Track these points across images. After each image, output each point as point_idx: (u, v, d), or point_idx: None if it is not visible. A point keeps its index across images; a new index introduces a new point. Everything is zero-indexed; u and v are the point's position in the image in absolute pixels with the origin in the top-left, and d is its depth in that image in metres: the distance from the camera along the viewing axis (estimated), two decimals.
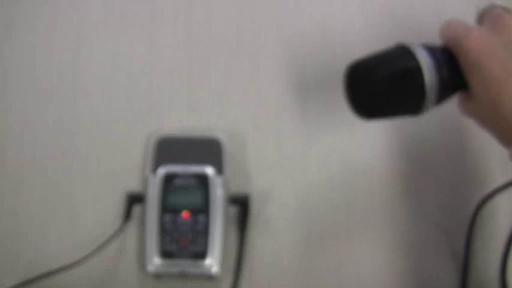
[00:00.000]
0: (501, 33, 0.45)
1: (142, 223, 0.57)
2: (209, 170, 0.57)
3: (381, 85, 0.45)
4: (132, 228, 0.58)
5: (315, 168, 0.59)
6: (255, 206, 0.58)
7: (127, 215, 0.57)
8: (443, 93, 0.46)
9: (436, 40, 0.48)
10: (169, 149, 0.58)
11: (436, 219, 0.58)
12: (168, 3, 0.64)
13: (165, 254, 0.55)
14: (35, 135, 0.60)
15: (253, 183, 0.59)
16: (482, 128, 0.48)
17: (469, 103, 0.48)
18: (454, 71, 0.46)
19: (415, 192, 0.59)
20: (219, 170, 0.57)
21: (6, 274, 0.56)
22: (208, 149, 0.58)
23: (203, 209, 0.56)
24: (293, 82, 0.62)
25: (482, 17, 0.48)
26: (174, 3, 0.64)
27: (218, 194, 0.56)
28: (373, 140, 0.60)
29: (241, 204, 0.57)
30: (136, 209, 0.58)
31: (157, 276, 0.56)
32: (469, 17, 0.49)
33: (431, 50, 0.46)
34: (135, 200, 0.57)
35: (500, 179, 0.58)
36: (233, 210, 0.58)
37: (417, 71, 0.45)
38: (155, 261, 0.55)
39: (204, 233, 0.55)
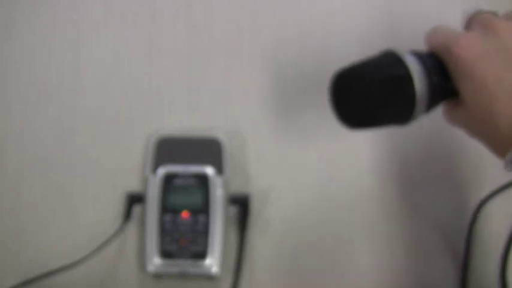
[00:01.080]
0: (492, 37, 0.42)
1: (142, 223, 0.57)
2: (209, 170, 0.57)
3: (369, 93, 0.43)
4: (132, 228, 0.58)
5: (315, 168, 0.59)
6: (255, 206, 0.58)
7: (127, 215, 0.57)
8: (433, 101, 0.44)
9: None
10: (169, 149, 0.58)
11: (436, 219, 0.58)
12: (168, 3, 0.64)
13: (165, 254, 0.55)
14: (35, 135, 0.60)
15: (253, 183, 0.59)
16: (471, 137, 0.45)
17: (458, 112, 0.45)
18: (443, 77, 0.44)
19: (415, 193, 0.59)
20: (219, 170, 0.57)
21: (6, 274, 0.56)
22: (208, 149, 0.58)
23: (203, 209, 0.56)
24: (293, 82, 0.62)
25: (470, 22, 0.46)
26: (174, 3, 0.64)
27: (218, 194, 0.56)
28: (373, 140, 0.60)
29: (241, 204, 0.57)
30: (137, 209, 0.58)
31: (157, 276, 0.56)
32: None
33: (419, 56, 0.44)
34: (135, 200, 0.57)
35: (500, 179, 0.58)
36: (233, 210, 0.58)
37: (407, 78, 0.43)
38: (155, 261, 0.55)
39: (204, 233, 0.55)
